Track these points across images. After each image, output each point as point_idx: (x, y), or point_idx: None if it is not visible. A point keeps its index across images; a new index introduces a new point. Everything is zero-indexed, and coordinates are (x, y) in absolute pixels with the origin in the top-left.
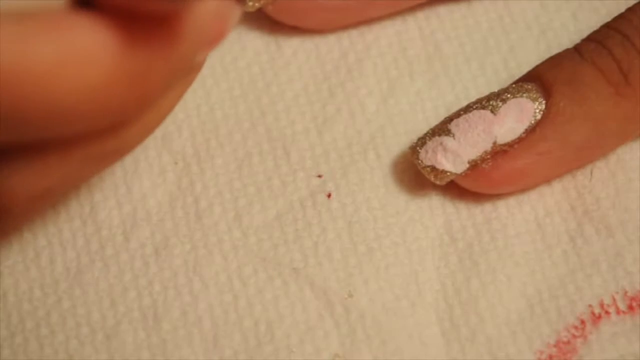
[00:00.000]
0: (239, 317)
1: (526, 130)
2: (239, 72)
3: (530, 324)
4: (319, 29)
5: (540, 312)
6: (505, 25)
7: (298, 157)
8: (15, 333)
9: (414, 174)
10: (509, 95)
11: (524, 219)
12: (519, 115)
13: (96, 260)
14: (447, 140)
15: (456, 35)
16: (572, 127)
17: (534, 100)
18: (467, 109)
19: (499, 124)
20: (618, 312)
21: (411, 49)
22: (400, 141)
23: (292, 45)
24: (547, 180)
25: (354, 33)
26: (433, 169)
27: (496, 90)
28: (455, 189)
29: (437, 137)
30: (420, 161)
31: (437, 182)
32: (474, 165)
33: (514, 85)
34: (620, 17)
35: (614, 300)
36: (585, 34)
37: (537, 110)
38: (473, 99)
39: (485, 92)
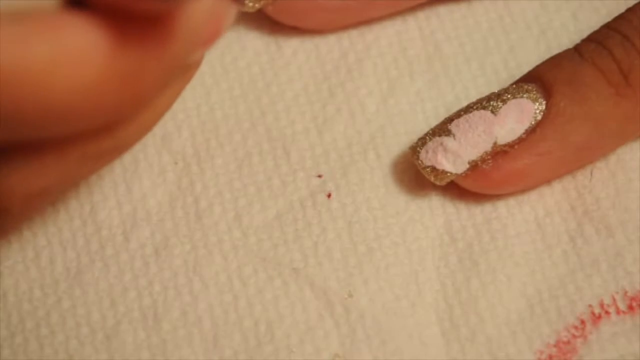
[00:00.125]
0: (239, 317)
1: (526, 130)
2: (239, 72)
3: (530, 324)
4: (319, 29)
5: (540, 312)
6: (505, 25)
7: (298, 157)
8: (15, 333)
9: (414, 174)
10: (509, 96)
11: (524, 219)
12: (520, 116)
13: (96, 260)
14: (447, 141)
15: (456, 35)
16: (572, 128)
17: (534, 100)
18: (468, 109)
19: (499, 125)
20: (618, 312)
21: (411, 49)
22: (400, 141)
23: (292, 45)
24: (548, 180)
25: (354, 33)
26: (433, 169)
27: (496, 91)
28: (455, 189)
29: (437, 138)
30: (420, 161)
31: (437, 183)
32: (474, 166)
33: (514, 86)
34: (620, 18)
35: (614, 300)
36: (585, 34)
37: (538, 111)
38: (473, 99)
39: (485, 92)
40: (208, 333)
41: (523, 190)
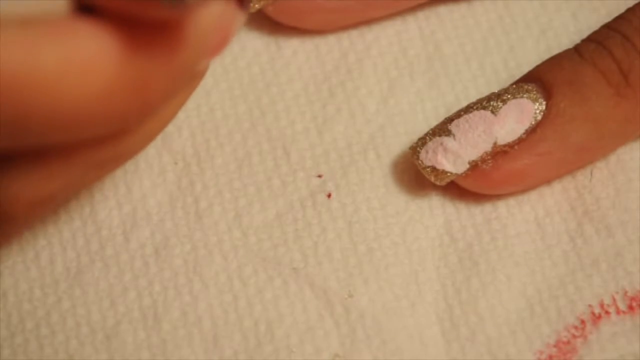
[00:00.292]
0: (239, 317)
1: (526, 130)
2: (239, 72)
3: (530, 324)
4: (319, 29)
5: (540, 312)
6: (505, 25)
7: (298, 157)
8: (15, 333)
9: (414, 174)
10: (509, 96)
11: (524, 219)
12: (520, 116)
13: (96, 260)
14: (447, 141)
15: (456, 35)
16: (572, 128)
17: (534, 100)
18: (468, 109)
19: (499, 125)
20: (618, 312)
21: (411, 49)
22: (400, 141)
23: (292, 45)
24: (548, 180)
25: (354, 33)
26: (433, 169)
27: (496, 91)
28: (455, 189)
29: (437, 138)
30: (420, 161)
31: (438, 183)
32: (474, 166)
33: (514, 86)
34: (620, 18)
35: (614, 300)
36: (585, 34)
37: (538, 111)
38: (473, 99)
39: (485, 92)
40: (208, 333)
41: (523, 191)
